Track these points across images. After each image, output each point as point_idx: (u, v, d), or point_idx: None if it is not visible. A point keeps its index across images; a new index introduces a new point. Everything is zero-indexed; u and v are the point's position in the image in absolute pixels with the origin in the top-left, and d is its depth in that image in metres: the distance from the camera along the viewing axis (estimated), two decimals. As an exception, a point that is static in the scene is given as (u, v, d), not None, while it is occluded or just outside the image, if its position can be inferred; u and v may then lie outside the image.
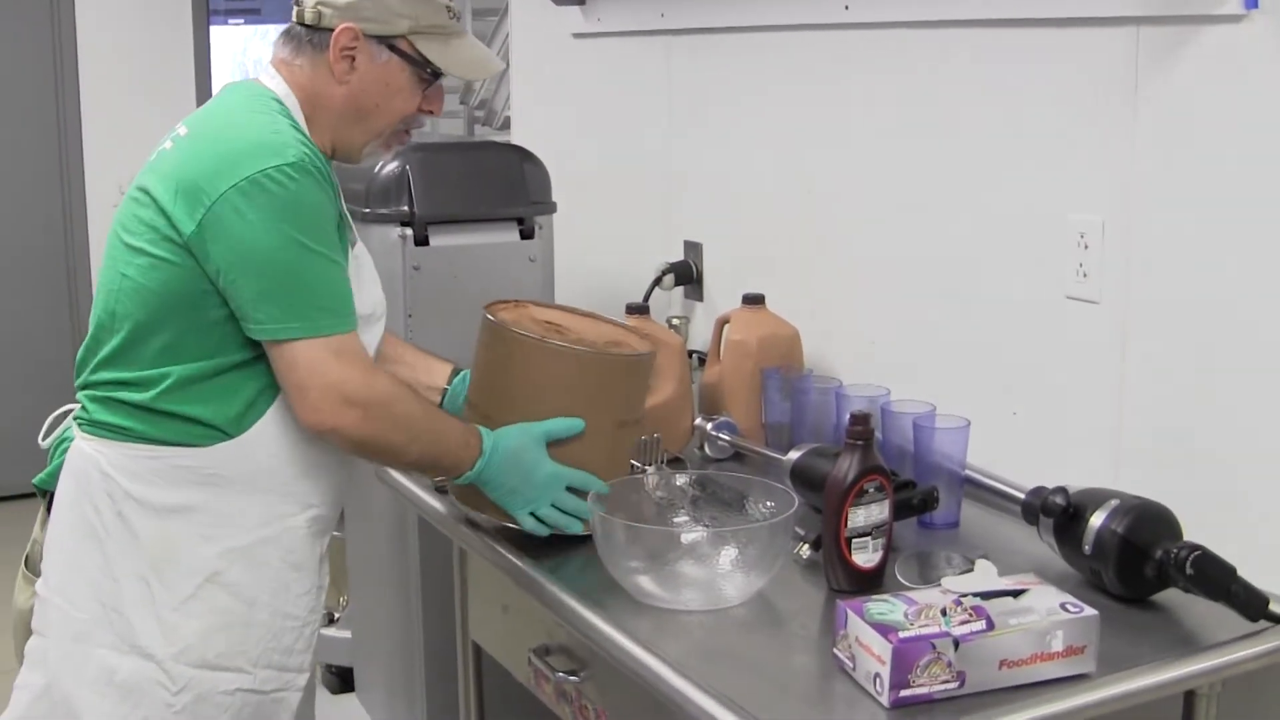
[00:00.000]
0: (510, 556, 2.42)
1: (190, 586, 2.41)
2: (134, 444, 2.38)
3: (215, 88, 7.66)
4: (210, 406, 2.36)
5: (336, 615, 3.95)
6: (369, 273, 2.54)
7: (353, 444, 2.37)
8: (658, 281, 3.44)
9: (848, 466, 2.19)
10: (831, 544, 2.20)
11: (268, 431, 2.39)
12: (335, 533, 3.91)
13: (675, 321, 3.35)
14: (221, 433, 2.38)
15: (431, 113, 2.51)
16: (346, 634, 3.82)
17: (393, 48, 2.43)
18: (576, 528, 2.41)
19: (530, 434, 2.41)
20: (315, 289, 2.30)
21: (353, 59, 2.43)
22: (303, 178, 2.29)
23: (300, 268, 2.29)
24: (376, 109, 2.46)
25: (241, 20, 8.48)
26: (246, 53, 8.53)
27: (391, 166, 3.13)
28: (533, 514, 2.41)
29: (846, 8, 2.94)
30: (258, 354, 2.34)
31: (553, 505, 2.41)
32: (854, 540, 2.19)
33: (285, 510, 2.45)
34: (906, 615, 1.89)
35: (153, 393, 2.34)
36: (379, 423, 2.33)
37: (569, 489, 2.41)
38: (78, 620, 2.39)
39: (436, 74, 2.46)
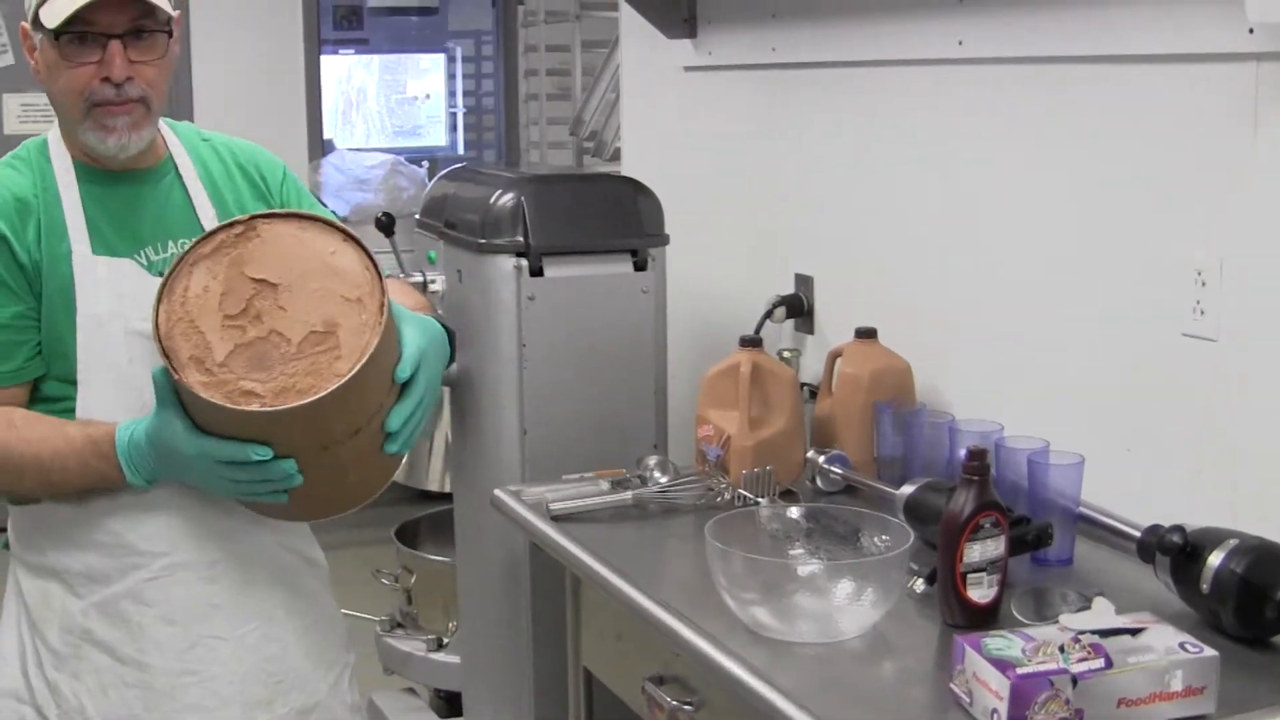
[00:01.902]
0: (624, 585, 2.44)
1: (65, 645, 2.47)
2: (10, 504, 2.51)
3: (325, 115, 7.79)
4: None
5: (445, 640, 3.98)
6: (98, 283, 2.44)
7: None
8: (769, 314, 3.45)
9: (964, 501, 2.19)
10: (947, 579, 2.21)
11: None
12: (443, 558, 3.96)
13: (786, 354, 3.36)
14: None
15: (108, 79, 2.35)
16: (455, 659, 3.85)
17: (39, 28, 2.37)
18: (281, 498, 2.34)
19: (158, 413, 2.31)
20: None
21: (35, 55, 2.43)
22: None
23: None
24: (54, 93, 2.43)
25: (352, 50, 8.57)
26: (350, 80, 8.61)
27: (507, 198, 3.16)
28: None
29: (960, 43, 2.94)
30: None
31: (234, 481, 2.30)
32: (969, 575, 2.20)
33: (131, 562, 2.47)
34: (1024, 651, 1.89)
35: None
36: None
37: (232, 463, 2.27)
38: None
39: (57, 33, 2.33)
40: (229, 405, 2.19)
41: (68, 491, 2.41)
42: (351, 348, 2.23)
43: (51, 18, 2.31)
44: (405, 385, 2.34)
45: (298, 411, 2.19)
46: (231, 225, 2.32)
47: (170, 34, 2.44)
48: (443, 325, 2.53)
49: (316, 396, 2.18)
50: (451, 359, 2.61)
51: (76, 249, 2.40)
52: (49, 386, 2.43)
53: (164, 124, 2.55)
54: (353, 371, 2.20)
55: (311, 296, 2.27)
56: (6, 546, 2.57)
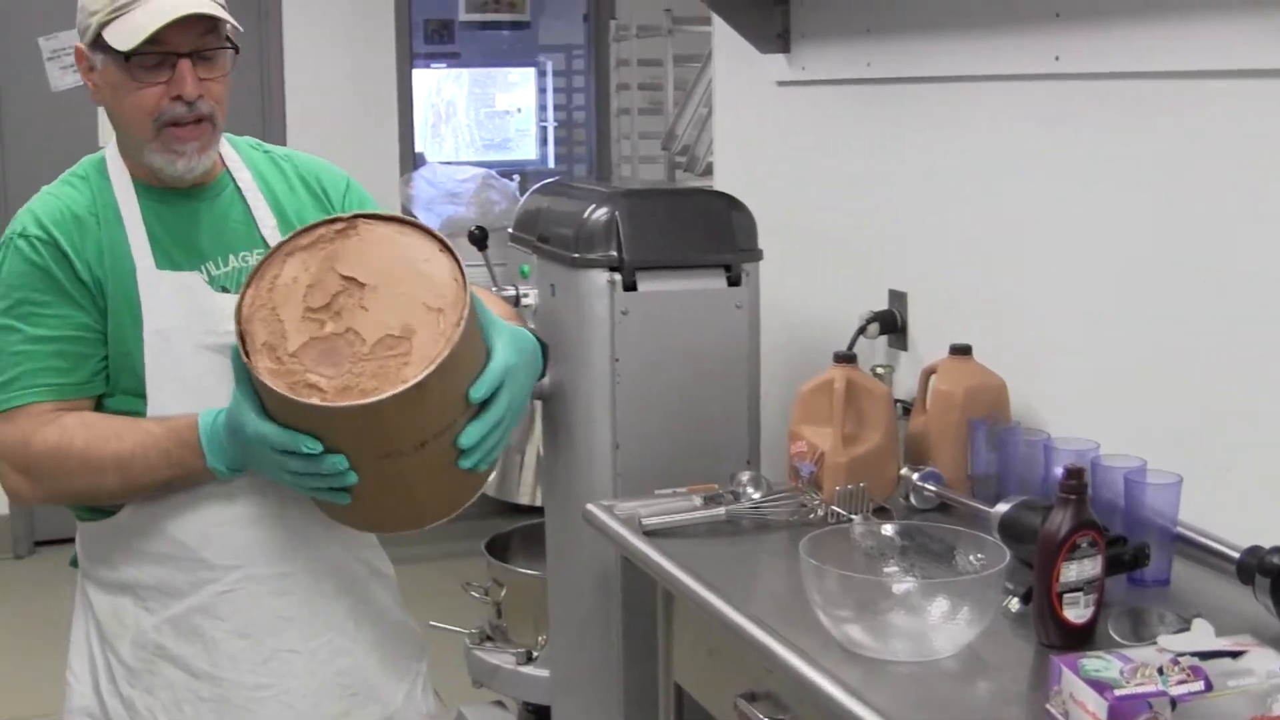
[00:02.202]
0: (717, 601, 2.44)
1: (139, 661, 2.50)
2: (81, 521, 2.56)
3: (416, 129, 7.85)
4: None
5: (535, 653, 3.98)
6: (176, 294, 2.47)
7: (40, 502, 2.49)
8: (862, 330, 3.44)
9: (1060, 520, 2.18)
10: (1043, 598, 2.19)
11: (141, 505, 2.47)
12: (534, 571, 3.97)
13: (880, 370, 3.34)
14: (108, 508, 2.50)
15: (180, 98, 2.38)
16: (544, 673, 3.85)
17: (102, 49, 2.39)
18: (342, 498, 2.34)
19: (234, 392, 2.33)
20: None
21: (92, 76, 2.45)
22: (5, 251, 2.41)
23: None
24: (119, 115, 2.45)
25: (444, 64, 8.61)
26: (440, 93, 8.65)
27: (601, 213, 3.17)
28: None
29: (1057, 58, 2.93)
30: None
31: (290, 472, 2.30)
32: (1065, 595, 2.18)
33: (202, 576, 2.49)
34: (1122, 673, 1.87)
35: None
36: (50, 479, 2.40)
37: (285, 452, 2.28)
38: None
39: (127, 55, 2.35)
40: (289, 395, 2.20)
41: (147, 487, 2.42)
42: (422, 356, 2.23)
43: (123, 40, 2.33)
44: (486, 402, 2.33)
45: (354, 411, 2.20)
46: (334, 221, 2.34)
47: (236, 49, 2.47)
48: (536, 338, 2.53)
49: (374, 399, 2.19)
50: (544, 372, 2.60)
51: (140, 265, 2.43)
52: (117, 401, 2.45)
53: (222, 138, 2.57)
54: (416, 380, 2.20)
55: (395, 300, 2.28)
56: (74, 564, 2.59)
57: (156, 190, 2.48)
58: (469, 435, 2.31)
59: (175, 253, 2.47)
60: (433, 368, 2.20)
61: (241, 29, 2.45)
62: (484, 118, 9.01)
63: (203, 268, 2.48)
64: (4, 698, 5.44)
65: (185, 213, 2.50)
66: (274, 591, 2.50)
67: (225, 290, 2.46)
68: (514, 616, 4.13)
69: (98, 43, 2.38)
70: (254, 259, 2.49)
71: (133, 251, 2.43)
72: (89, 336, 2.42)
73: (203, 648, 2.48)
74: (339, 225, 2.34)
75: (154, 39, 2.33)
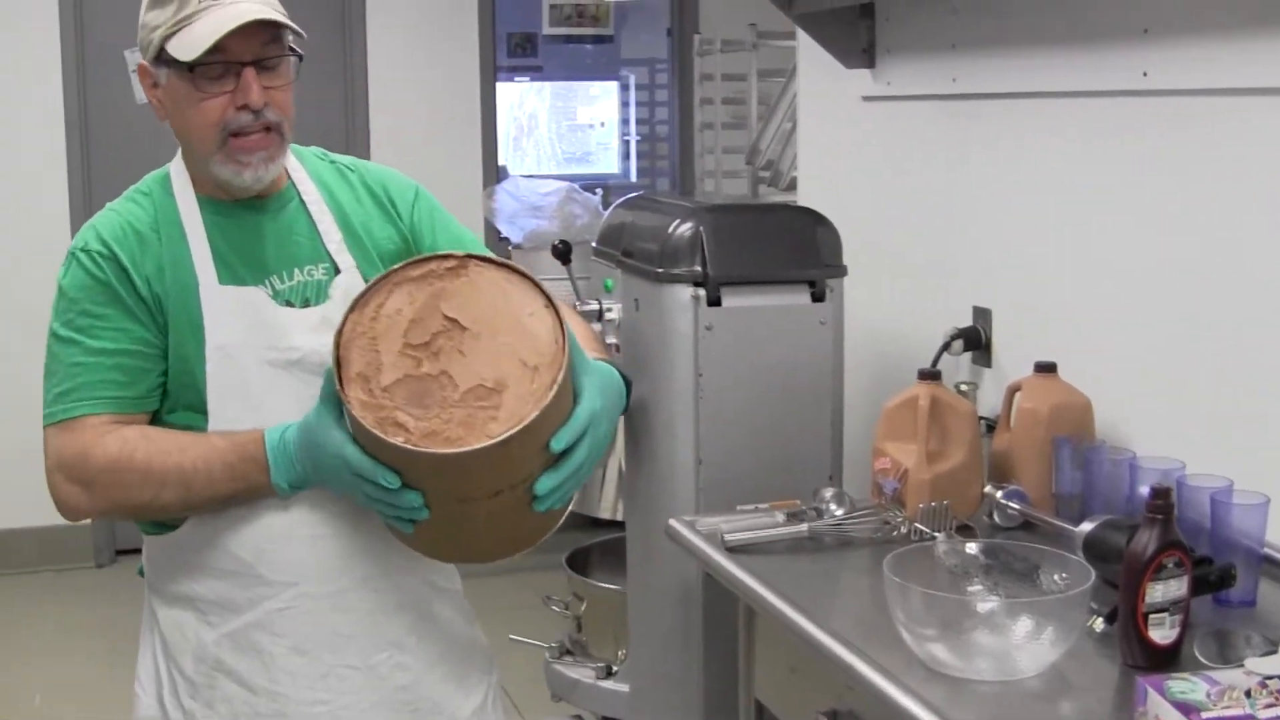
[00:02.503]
0: (799, 618, 2.44)
1: (199, 675, 2.51)
2: (144, 534, 2.58)
3: (501, 141, 7.89)
4: None
5: (614, 668, 3.99)
6: (288, 320, 2.48)
7: (98, 514, 2.49)
8: (946, 347, 3.43)
9: (1146, 540, 2.16)
10: (1128, 619, 2.18)
11: (199, 519, 2.47)
12: (614, 585, 3.97)
13: (963, 387, 3.33)
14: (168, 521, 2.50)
15: (246, 106, 2.38)
16: (624, 687, 3.86)
17: (164, 63, 2.39)
18: (407, 528, 2.36)
19: (318, 407, 2.34)
20: (56, 376, 2.41)
21: (155, 92, 2.45)
22: (68, 265, 2.42)
23: (50, 359, 2.43)
24: (184, 127, 2.45)
25: (527, 77, 8.65)
26: (521, 106, 8.69)
27: (685, 227, 3.17)
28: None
29: (1145, 74, 2.91)
30: None
31: (365, 494, 2.30)
32: (1151, 616, 2.16)
33: (261, 592, 2.49)
34: (1209, 695, 1.86)
35: None
36: (107, 491, 2.40)
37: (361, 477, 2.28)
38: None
39: (190, 65, 2.35)
40: (375, 430, 2.21)
41: (207, 502, 2.42)
42: (510, 413, 2.23)
43: (187, 50, 2.34)
44: (565, 450, 2.33)
45: (436, 459, 2.21)
46: (445, 257, 2.35)
47: (300, 56, 2.46)
48: (621, 374, 2.54)
49: (458, 450, 2.20)
50: (626, 407, 2.59)
51: (203, 279, 2.43)
52: (178, 416, 2.46)
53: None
54: (501, 437, 2.21)
55: (494, 350, 2.29)
56: (142, 573, 2.61)
57: (221, 204, 2.49)
58: (544, 483, 2.32)
59: (239, 267, 2.47)
60: (519, 428, 2.21)
61: (305, 35, 2.44)
62: (565, 131, 9.04)
63: (266, 282, 2.48)
64: (82, 705, 5.50)
65: (249, 226, 2.50)
66: (332, 608, 2.50)
67: (289, 305, 2.47)
68: (594, 631, 4.14)
69: (160, 57, 2.40)
70: (319, 273, 2.50)
71: (195, 266, 2.43)
72: (148, 351, 2.43)
73: (261, 663, 2.49)
74: (450, 263, 2.34)
75: (217, 48, 2.33)
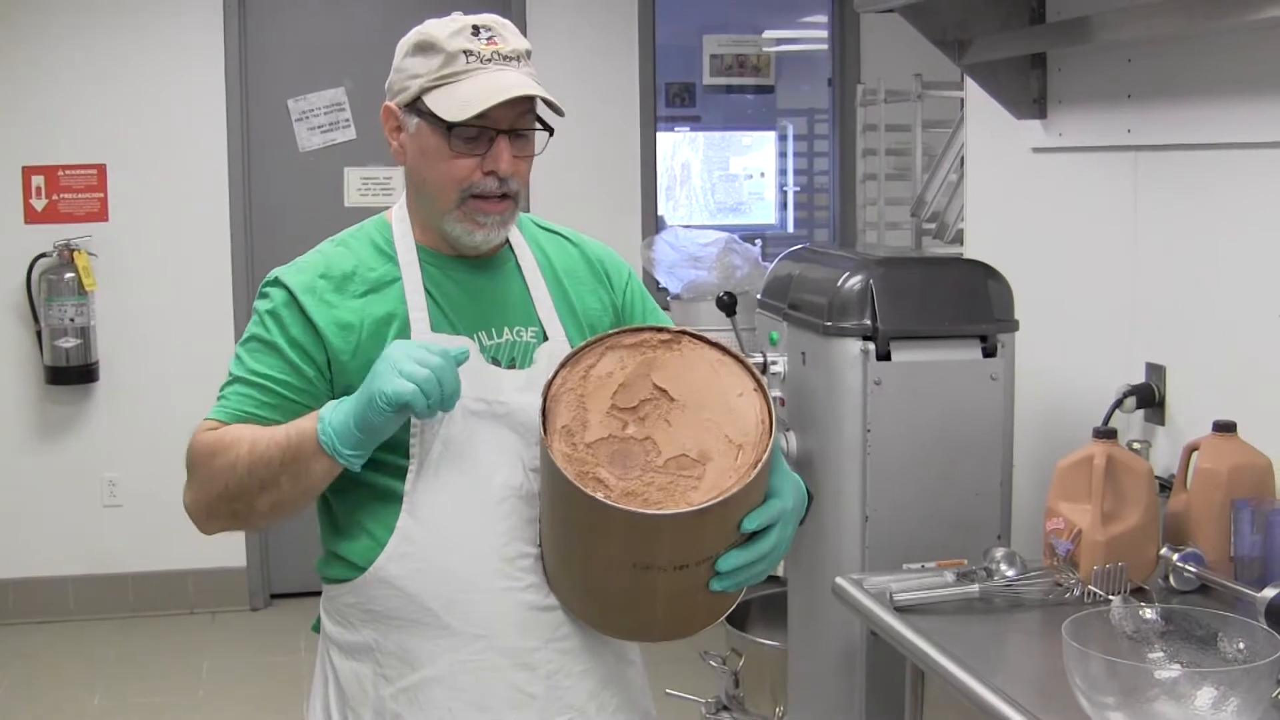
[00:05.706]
0: (972, 681, 2.39)
1: None
2: (326, 583, 2.55)
3: (661, 190, 7.90)
4: (341, 541, 2.49)
5: (774, 725, 3.95)
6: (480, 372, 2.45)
7: (203, 512, 2.43)
8: (1119, 404, 3.36)
9: (1338, 610, 2.09)
10: (1319, 691, 2.11)
11: (389, 565, 2.43)
12: (773, 641, 3.93)
13: (1136, 446, 3.26)
14: (355, 567, 2.46)
15: (494, 173, 2.40)
16: (783, 745, 3.82)
17: (418, 112, 2.39)
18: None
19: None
20: (223, 386, 2.47)
21: (399, 136, 2.44)
22: (260, 291, 2.47)
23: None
24: (425, 180, 2.44)
25: (688, 127, 8.65)
26: (674, 155, 8.70)
27: (855, 280, 3.14)
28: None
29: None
30: (348, 483, 2.42)
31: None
32: (1343, 688, 2.09)
33: (446, 644, 2.45)
34: None
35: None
36: (196, 474, 2.41)
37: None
38: None
39: (450, 125, 2.36)
40: (575, 482, 2.20)
41: (270, 480, 2.36)
42: (712, 485, 2.22)
43: (451, 111, 2.35)
44: (755, 533, 2.30)
45: (632, 518, 2.19)
46: (661, 329, 2.36)
47: (550, 131, 2.47)
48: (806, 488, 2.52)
49: (656, 512, 2.19)
50: (804, 519, 2.56)
51: (415, 325, 2.43)
52: (380, 453, 2.40)
53: None
54: (701, 506, 2.19)
55: (699, 424, 2.28)
56: (316, 629, 2.60)
57: (440, 256, 2.50)
58: (729, 560, 2.29)
59: (452, 317, 2.48)
60: (721, 498, 2.19)
61: (564, 113, 2.43)
62: (718, 180, 9.03)
63: (475, 336, 2.48)
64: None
65: (463, 282, 2.51)
66: (518, 665, 2.47)
67: (496, 362, 2.46)
68: (751, 686, 4.11)
69: (415, 106, 2.41)
70: (527, 336, 2.50)
71: (410, 312, 2.44)
72: (301, 387, 2.43)
73: None
74: (665, 335, 2.35)
75: (484, 114, 2.35)
